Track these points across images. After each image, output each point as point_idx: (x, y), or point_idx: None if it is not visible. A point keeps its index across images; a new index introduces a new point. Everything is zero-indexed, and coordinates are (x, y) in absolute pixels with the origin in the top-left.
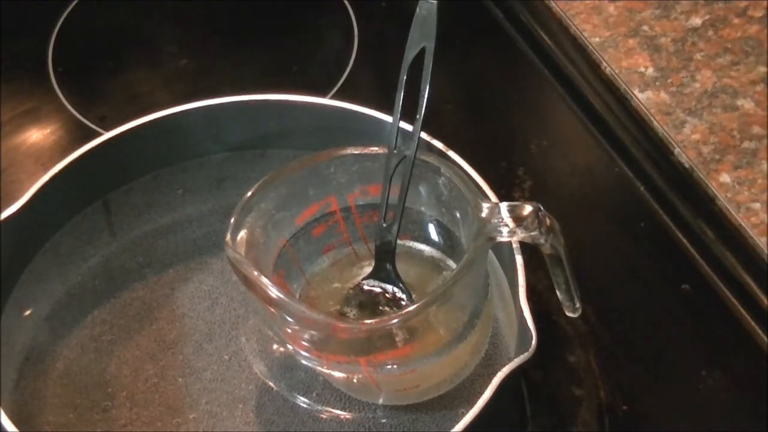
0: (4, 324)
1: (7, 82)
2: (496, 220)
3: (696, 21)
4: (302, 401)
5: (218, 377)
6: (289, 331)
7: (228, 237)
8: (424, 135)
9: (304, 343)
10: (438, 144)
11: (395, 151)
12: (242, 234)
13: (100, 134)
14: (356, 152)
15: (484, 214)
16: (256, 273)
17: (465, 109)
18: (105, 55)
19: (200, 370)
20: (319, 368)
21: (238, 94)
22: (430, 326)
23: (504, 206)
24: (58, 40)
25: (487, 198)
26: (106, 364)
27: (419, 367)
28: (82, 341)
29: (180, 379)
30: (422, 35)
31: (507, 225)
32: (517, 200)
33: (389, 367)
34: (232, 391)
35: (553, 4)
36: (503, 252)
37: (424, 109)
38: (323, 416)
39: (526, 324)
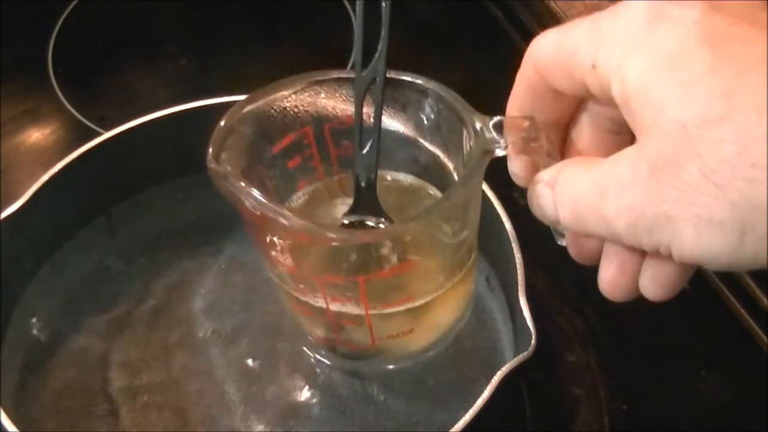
0: (4, 327)
1: (7, 82)
2: (491, 135)
3: None
4: (302, 401)
5: (218, 379)
6: (281, 258)
7: (210, 154)
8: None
9: (298, 268)
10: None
11: (363, 73)
12: (224, 156)
13: (100, 134)
14: (336, 76)
15: (478, 127)
16: (243, 184)
17: None
18: (105, 55)
19: (201, 372)
20: (310, 334)
21: (238, 94)
22: (429, 245)
23: (497, 119)
24: (58, 40)
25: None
26: (106, 367)
27: (415, 296)
28: (82, 345)
29: (181, 382)
30: None
31: (503, 138)
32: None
33: (386, 292)
34: (232, 392)
35: (552, 4)
36: (503, 251)
37: (389, 20)
38: (323, 417)
39: (526, 323)
